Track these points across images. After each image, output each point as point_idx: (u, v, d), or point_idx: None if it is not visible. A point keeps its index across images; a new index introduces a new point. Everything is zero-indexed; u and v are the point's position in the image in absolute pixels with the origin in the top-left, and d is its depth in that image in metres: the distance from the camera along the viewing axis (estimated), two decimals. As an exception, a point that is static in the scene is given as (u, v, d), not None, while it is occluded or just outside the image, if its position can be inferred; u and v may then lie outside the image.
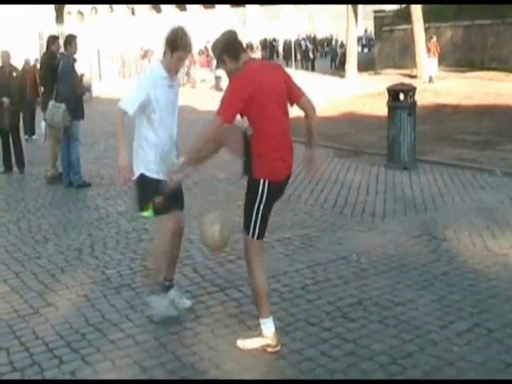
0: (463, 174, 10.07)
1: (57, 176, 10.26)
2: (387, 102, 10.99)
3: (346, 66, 30.22)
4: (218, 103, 4.28)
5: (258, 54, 29.23)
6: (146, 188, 4.91)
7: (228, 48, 4.42)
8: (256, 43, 49.72)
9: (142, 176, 4.91)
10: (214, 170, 9.80)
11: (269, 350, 4.47)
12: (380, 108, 17.18)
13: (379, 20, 34.90)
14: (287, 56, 44.49)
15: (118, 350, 4.54)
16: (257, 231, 4.45)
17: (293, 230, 7.28)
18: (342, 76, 29.68)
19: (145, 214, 4.98)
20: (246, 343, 4.55)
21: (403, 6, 37.13)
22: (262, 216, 4.42)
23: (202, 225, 4.70)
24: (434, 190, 9.09)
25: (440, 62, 26.60)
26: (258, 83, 4.32)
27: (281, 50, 48.76)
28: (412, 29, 27.09)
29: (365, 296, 5.40)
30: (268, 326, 4.50)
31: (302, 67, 39.53)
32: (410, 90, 10.78)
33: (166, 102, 4.89)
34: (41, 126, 13.15)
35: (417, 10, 26.38)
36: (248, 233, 4.47)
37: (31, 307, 5.34)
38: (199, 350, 4.50)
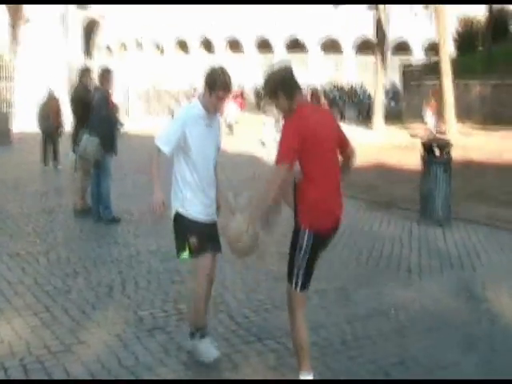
0: (498, 233, 9.84)
1: (86, 209, 10.17)
2: (422, 157, 10.81)
3: (374, 118, 30.19)
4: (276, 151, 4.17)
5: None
6: (181, 227, 4.84)
7: (285, 85, 4.30)
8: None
9: (177, 214, 4.84)
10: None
11: None
12: (408, 161, 17.10)
13: (407, 73, 35.04)
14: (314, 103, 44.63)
15: (153, 396, 4.37)
16: (300, 283, 4.32)
17: (328, 282, 7.08)
18: (369, 127, 29.65)
19: (183, 255, 4.84)
20: None
21: (431, 60, 37.33)
22: (305, 267, 4.29)
23: (233, 226, 4.41)
24: (469, 248, 8.86)
25: (469, 118, 26.57)
26: (312, 128, 4.23)
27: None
28: (440, 84, 27.10)
29: (407, 355, 5.20)
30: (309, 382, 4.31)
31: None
32: (445, 146, 10.64)
33: (203, 142, 4.82)
34: (68, 157, 13.16)
35: (446, 65, 26.38)
36: (291, 283, 4.32)
37: (62, 343, 5.20)
38: (239, 403, 4.32)
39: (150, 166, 4.75)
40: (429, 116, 26.57)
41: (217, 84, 4.75)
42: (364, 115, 38.09)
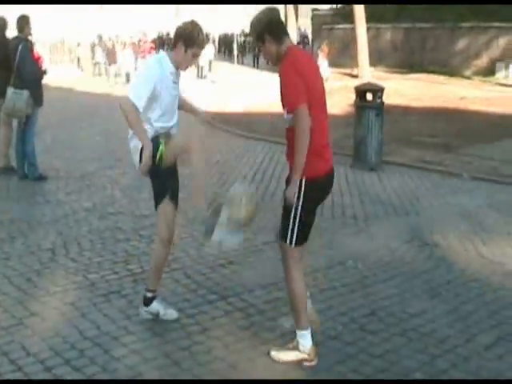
0: (431, 176, 9.94)
1: (8, 167, 9.52)
2: (355, 102, 10.76)
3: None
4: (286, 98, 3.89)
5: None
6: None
7: (272, 27, 3.99)
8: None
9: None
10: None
11: (306, 363, 4.14)
12: (330, 106, 17.03)
13: (318, 18, 34.89)
14: (223, 50, 44.13)
15: (126, 368, 4.05)
16: (294, 238, 4.09)
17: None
18: (283, 73, 29.45)
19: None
20: (282, 355, 4.19)
21: (340, 5, 37.31)
22: (300, 220, 4.05)
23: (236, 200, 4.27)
24: (408, 192, 8.89)
25: (380, 63, 26.78)
26: (309, 71, 4.00)
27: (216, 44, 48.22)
28: (353, 28, 27.11)
29: (376, 306, 5.10)
30: (306, 339, 4.17)
31: (238, 62, 39.15)
32: (378, 90, 10.59)
33: (169, 99, 4.50)
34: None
35: (360, 10, 26.36)
36: (285, 240, 4.08)
37: (13, 317, 4.77)
38: (219, 369, 4.07)
39: (129, 121, 4.31)
40: (320, 60, 26.69)
41: (195, 42, 4.44)
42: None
